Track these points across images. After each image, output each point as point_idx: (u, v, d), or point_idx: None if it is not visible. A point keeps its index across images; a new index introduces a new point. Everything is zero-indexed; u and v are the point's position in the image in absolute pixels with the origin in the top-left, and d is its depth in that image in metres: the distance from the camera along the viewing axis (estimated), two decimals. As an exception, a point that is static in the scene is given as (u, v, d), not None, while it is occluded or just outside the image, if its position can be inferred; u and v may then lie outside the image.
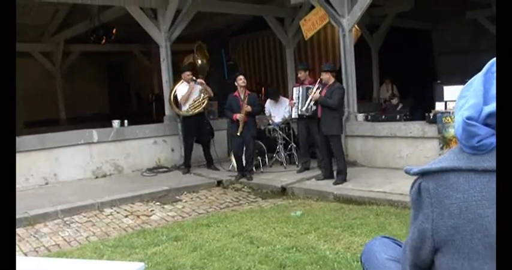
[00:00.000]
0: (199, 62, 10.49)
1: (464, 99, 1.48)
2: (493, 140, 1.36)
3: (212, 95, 9.39)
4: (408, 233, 1.61)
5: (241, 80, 8.53)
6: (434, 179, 1.45)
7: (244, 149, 8.62)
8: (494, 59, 1.43)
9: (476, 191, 1.36)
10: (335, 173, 7.81)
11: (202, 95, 9.25)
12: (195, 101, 9.21)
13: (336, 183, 7.61)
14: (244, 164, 8.61)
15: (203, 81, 9.31)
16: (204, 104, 9.32)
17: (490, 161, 1.36)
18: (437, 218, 1.44)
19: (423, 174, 1.49)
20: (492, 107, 1.37)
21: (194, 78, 9.31)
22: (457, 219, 1.39)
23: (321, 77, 7.87)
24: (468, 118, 1.39)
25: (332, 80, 7.84)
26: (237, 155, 8.70)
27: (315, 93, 7.85)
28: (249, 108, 8.40)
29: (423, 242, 1.51)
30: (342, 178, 7.70)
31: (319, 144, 8.65)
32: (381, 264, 1.98)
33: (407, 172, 1.55)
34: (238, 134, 8.42)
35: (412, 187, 1.54)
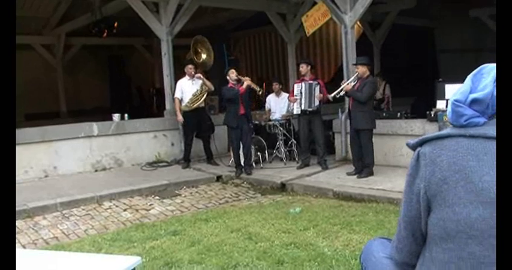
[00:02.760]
0: (204, 56, 10.44)
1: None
2: (479, 120, 1.65)
3: (212, 89, 9.36)
4: (402, 208, 1.83)
5: (233, 73, 8.55)
6: (431, 144, 1.72)
7: (242, 143, 8.61)
8: (487, 64, 1.72)
9: (464, 149, 1.63)
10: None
11: (201, 89, 9.23)
12: (194, 96, 9.19)
13: (360, 177, 7.63)
14: (243, 159, 8.59)
15: (201, 76, 9.29)
16: (203, 98, 9.31)
17: (475, 130, 1.64)
18: (429, 175, 1.68)
19: (422, 143, 1.75)
20: (477, 94, 1.66)
21: (194, 72, 9.30)
22: (445, 172, 1.64)
23: (357, 70, 7.75)
24: (456, 101, 1.70)
25: (367, 73, 7.77)
26: (235, 149, 8.70)
27: (348, 84, 7.76)
28: (247, 78, 8.60)
29: (418, 202, 1.74)
30: (369, 172, 7.72)
31: (319, 141, 8.66)
32: (378, 261, 2.08)
33: (408, 145, 1.81)
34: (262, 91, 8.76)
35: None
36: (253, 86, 8.67)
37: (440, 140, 1.70)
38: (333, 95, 7.88)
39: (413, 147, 1.79)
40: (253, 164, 8.98)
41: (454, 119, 1.71)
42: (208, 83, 9.26)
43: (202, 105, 9.41)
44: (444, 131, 1.72)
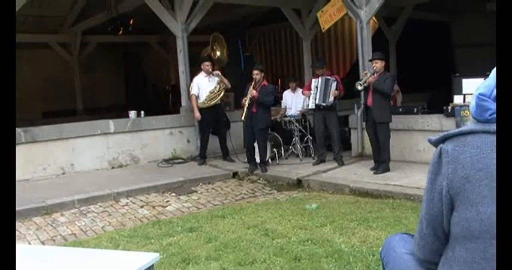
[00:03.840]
0: (218, 53, 10.45)
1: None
2: None
3: (229, 86, 9.33)
4: (424, 206, 1.78)
5: (253, 74, 8.46)
6: (453, 141, 1.66)
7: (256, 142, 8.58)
8: None
9: (488, 146, 1.57)
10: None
11: (218, 86, 9.22)
12: (211, 93, 9.19)
13: (377, 173, 7.62)
14: (258, 157, 8.57)
15: (219, 73, 9.28)
16: (221, 95, 9.29)
17: None
18: (452, 173, 1.63)
19: (444, 140, 1.70)
20: None
21: (211, 69, 9.29)
22: (468, 170, 1.58)
23: (374, 65, 7.70)
24: (481, 94, 1.64)
25: (383, 68, 7.75)
26: (248, 146, 8.68)
27: (370, 76, 7.70)
28: (254, 92, 8.23)
29: (440, 201, 1.68)
30: (385, 168, 7.71)
31: (335, 137, 8.64)
32: (399, 257, 2.05)
33: (430, 141, 1.76)
34: (243, 118, 8.38)
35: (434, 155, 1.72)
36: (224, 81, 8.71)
37: (463, 136, 1.64)
38: (362, 87, 7.71)
39: (435, 143, 1.73)
40: (269, 161, 8.97)
41: (478, 113, 1.64)
42: (226, 80, 9.23)
43: (219, 102, 9.39)
44: (466, 127, 1.65)
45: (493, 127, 1.57)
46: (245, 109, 8.27)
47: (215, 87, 9.17)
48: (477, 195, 1.56)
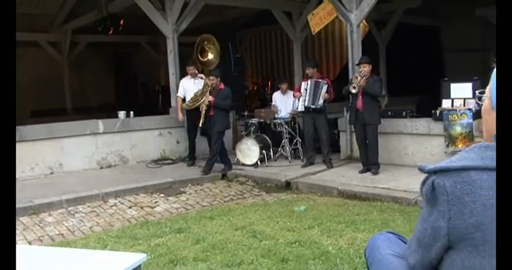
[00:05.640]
0: (210, 55, 10.41)
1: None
2: None
3: None
4: (417, 228, 1.57)
5: (209, 79, 8.64)
6: (451, 176, 1.39)
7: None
8: None
9: None
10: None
11: (202, 89, 9.18)
12: (195, 95, 9.13)
13: (376, 174, 7.71)
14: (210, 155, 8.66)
15: (203, 76, 9.21)
16: (203, 98, 9.25)
17: None
18: (454, 216, 1.38)
19: (436, 172, 1.43)
20: None
21: (196, 72, 9.32)
22: (479, 217, 1.33)
23: (362, 69, 7.75)
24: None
25: (370, 72, 7.82)
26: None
27: (360, 80, 7.74)
28: (210, 97, 8.45)
29: (436, 239, 1.47)
30: (378, 168, 7.81)
31: (324, 139, 8.67)
32: (384, 259, 1.97)
33: (421, 169, 1.49)
34: (200, 125, 8.54)
35: (423, 184, 1.49)
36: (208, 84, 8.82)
37: (465, 171, 1.37)
38: (356, 89, 7.70)
39: (427, 173, 1.48)
40: (258, 162, 8.98)
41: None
42: (209, 83, 9.21)
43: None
44: (471, 162, 1.38)
45: None
46: (202, 115, 8.46)
47: (198, 90, 9.10)
48: (491, 248, 1.32)
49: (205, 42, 10.41)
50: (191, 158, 9.40)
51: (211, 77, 8.64)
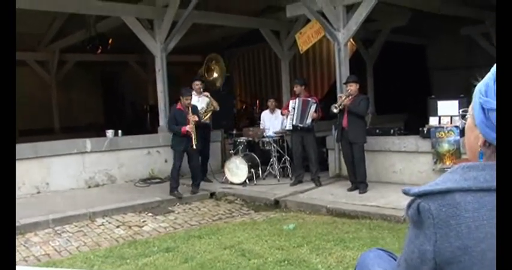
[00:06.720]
0: (215, 74, 10.42)
1: None
2: None
3: (218, 108, 9.29)
4: (405, 249, 1.50)
5: (184, 100, 8.38)
6: (436, 199, 1.34)
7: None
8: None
9: (488, 209, 1.27)
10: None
11: (206, 107, 9.19)
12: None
13: (364, 192, 7.71)
14: (192, 177, 8.61)
15: (208, 94, 9.21)
16: (207, 116, 9.27)
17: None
18: (440, 240, 1.33)
19: (422, 195, 1.38)
20: None
21: (201, 89, 9.27)
22: (465, 240, 1.29)
23: (349, 88, 7.83)
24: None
25: (357, 91, 7.88)
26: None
27: (344, 99, 7.80)
28: (195, 117, 8.24)
29: (423, 262, 1.40)
30: (366, 187, 7.82)
31: (312, 158, 8.68)
32: None
33: (406, 193, 1.43)
34: (194, 147, 8.23)
35: (408, 206, 1.44)
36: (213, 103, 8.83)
37: (450, 194, 1.33)
38: (337, 109, 7.76)
39: (412, 196, 1.43)
40: (247, 181, 8.96)
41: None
42: (215, 103, 9.19)
43: (207, 121, 9.36)
44: (454, 184, 1.35)
45: (491, 183, 1.27)
46: (193, 136, 8.18)
47: (202, 108, 9.10)
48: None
49: (213, 61, 10.43)
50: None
51: (188, 97, 8.42)
